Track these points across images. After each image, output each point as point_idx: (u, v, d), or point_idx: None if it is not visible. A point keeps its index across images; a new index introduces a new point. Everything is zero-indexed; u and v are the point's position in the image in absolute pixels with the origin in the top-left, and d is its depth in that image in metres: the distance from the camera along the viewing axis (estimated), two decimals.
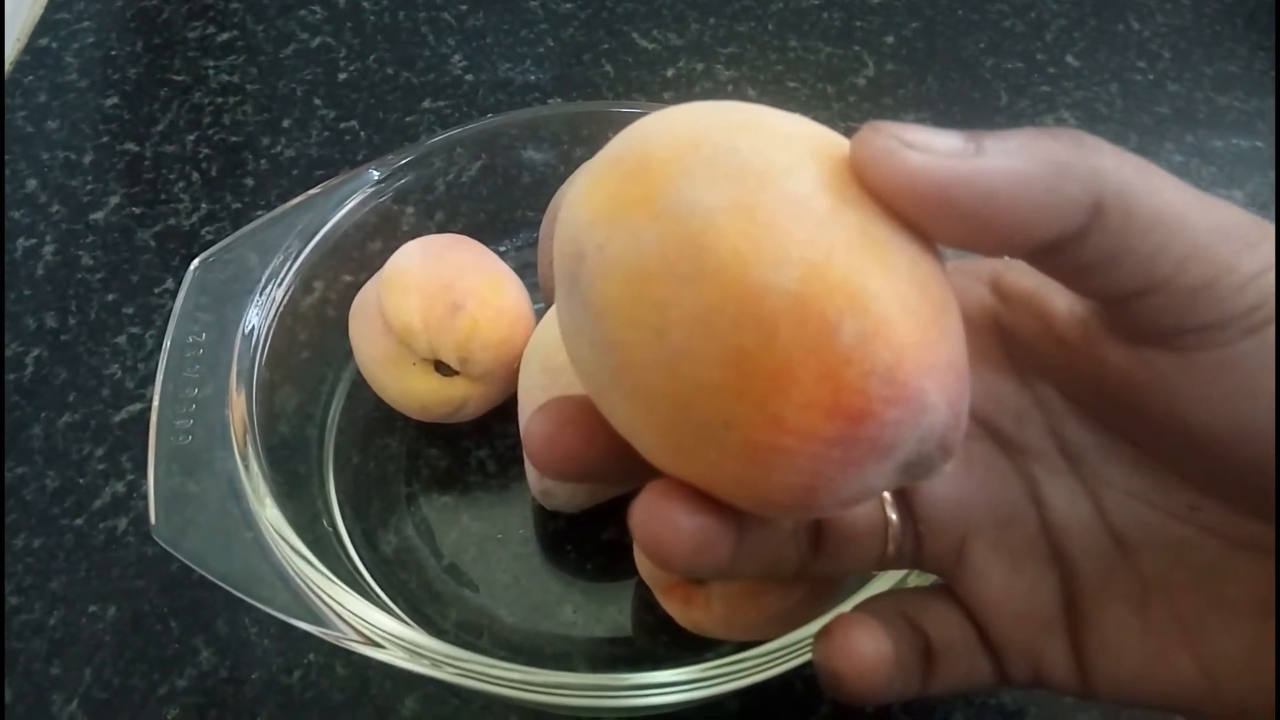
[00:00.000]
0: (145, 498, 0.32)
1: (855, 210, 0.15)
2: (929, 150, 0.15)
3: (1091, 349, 0.18)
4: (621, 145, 0.17)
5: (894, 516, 0.20)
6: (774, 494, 0.16)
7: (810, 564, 0.20)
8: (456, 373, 0.34)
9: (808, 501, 0.16)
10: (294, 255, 0.35)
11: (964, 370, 0.16)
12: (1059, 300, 0.19)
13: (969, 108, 0.51)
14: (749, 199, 0.15)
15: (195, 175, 0.47)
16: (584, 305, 0.16)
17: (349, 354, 0.36)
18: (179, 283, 0.34)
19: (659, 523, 0.17)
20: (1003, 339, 0.20)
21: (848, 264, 0.14)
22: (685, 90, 0.51)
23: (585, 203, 0.16)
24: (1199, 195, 0.16)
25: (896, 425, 0.15)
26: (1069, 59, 0.53)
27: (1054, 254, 0.16)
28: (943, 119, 0.50)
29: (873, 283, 0.15)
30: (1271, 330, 0.16)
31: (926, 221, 0.15)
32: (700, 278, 0.15)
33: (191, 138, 0.49)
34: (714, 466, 0.16)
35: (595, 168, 0.17)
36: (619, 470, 0.19)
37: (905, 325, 0.15)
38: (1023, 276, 0.20)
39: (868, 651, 0.19)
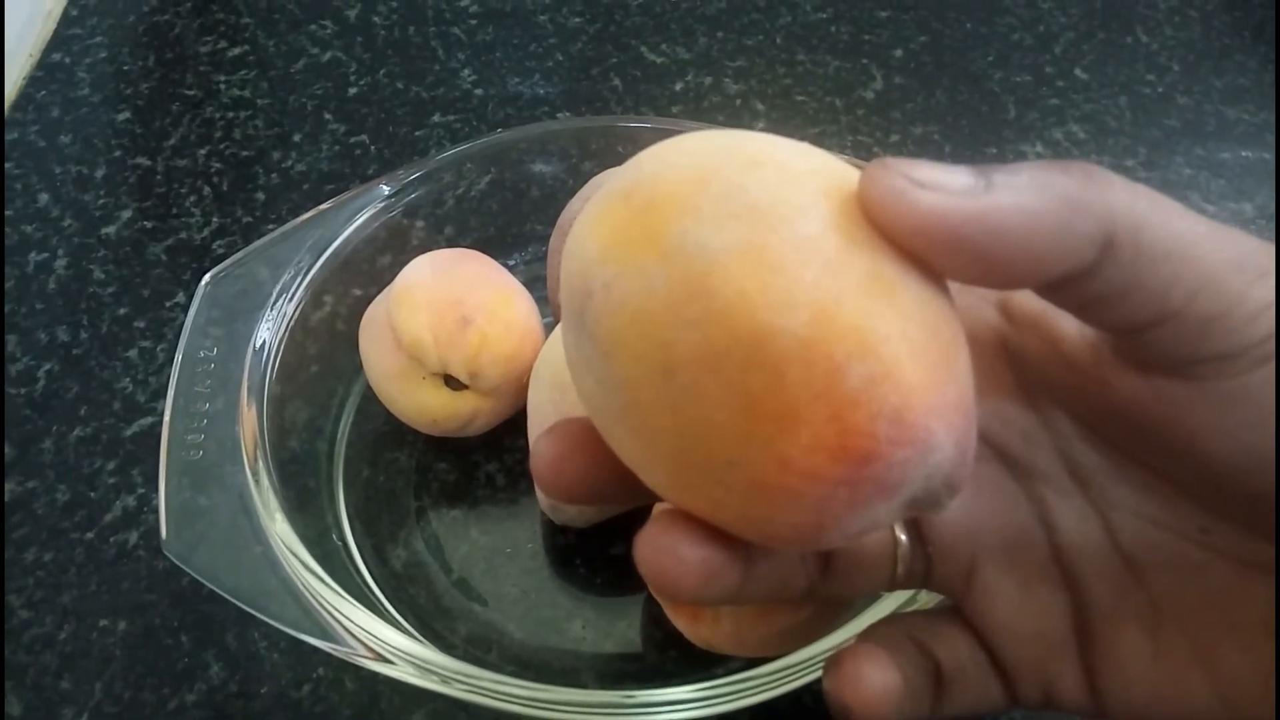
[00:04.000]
0: (156, 512, 0.32)
1: (864, 250, 0.15)
2: (938, 188, 0.15)
3: (1101, 373, 0.18)
4: (630, 177, 0.17)
5: (903, 538, 0.20)
6: (780, 531, 0.16)
7: (819, 587, 0.20)
8: (466, 387, 0.34)
9: (814, 537, 0.16)
10: (304, 270, 0.35)
11: (971, 409, 0.16)
12: (1067, 323, 0.19)
13: (977, 121, 0.51)
14: (758, 240, 0.15)
15: (206, 189, 0.47)
16: (591, 342, 0.16)
17: (359, 368, 0.36)
18: (190, 296, 0.34)
19: (665, 556, 0.17)
20: (1010, 361, 0.20)
21: (857, 307, 0.14)
22: (694, 104, 0.52)
23: (593, 236, 0.16)
24: (1211, 225, 0.16)
25: (903, 465, 0.15)
26: (1077, 72, 0.53)
27: (1065, 287, 0.16)
28: (951, 132, 0.50)
29: (882, 326, 0.14)
30: None
31: (936, 260, 0.15)
32: (707, 320, 0.15)
33: (203, 152, 0.49)
34: (719, 504, 0.16)
35: (603, 198, 0.17)
36: (626, 493, 0.19)
37: (914, 367, 0.15)
38: (1031, 298, 0.20)
39: (876, 683, 0.19)
